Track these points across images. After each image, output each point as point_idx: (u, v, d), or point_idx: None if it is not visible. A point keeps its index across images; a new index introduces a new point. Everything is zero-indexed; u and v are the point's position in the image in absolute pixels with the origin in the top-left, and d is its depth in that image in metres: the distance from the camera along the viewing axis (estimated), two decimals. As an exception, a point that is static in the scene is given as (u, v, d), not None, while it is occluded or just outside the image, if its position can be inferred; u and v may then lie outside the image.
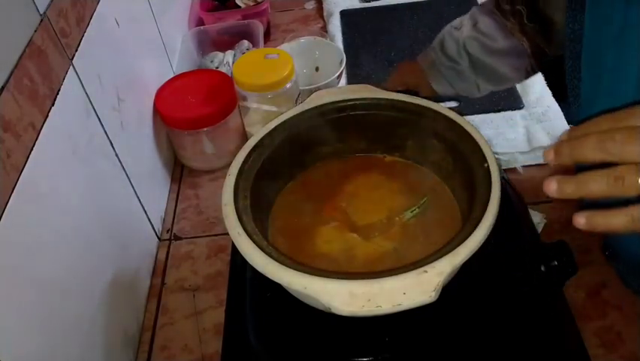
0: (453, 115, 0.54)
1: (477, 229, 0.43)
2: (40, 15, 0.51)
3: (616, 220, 0.36)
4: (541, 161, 0.77)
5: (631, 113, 0.37)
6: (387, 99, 0.57)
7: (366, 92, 0.58)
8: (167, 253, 0.74)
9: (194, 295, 0.69)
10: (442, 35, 0.73)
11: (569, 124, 0.58)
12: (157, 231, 0.76)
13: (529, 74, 0.71)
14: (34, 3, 0.50)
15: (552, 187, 0.38)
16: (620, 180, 0.35)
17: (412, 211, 0.53)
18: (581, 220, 0.37)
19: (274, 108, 0.74)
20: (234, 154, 0.53)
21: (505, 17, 0.66)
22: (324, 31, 1.08)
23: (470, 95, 0.74)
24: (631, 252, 0.57)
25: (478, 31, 0.68)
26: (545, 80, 0.87)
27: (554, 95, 0.86)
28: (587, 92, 0.53)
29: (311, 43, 0.91)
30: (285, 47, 0.89)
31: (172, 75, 0.86)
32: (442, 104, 0.56)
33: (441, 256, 0.41)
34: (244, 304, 0.52)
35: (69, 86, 0.54)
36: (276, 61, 0.75)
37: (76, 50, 0.57)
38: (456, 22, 0.72)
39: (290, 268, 0.42)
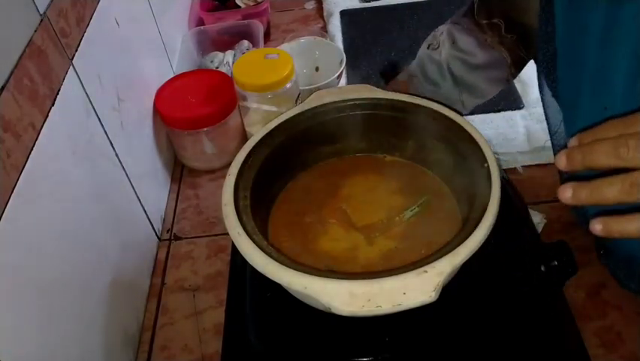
0: (453, 115, 0.54)
1: (477, 229, 0.43)
2: (40, 15, 0.51)
3: (631, 226, 0.37)
4: (541, 161, 0.77)
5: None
6: (387, 99, 0.57)
7: (366, 92, 0.58)
8: (167, 253, 0.74)
9: (194, 295, 0.69)
10: (421, 58, 0.73)
11: (549, 128, 0.59)
12: (157, 231, 0.76)
13: (508, 82, 0.72)
14: (34, 3, 0.50)
15: (567, 194, 0.39)
16: (635, 186, 0.36)
17: (411, 210, 0.53)
18: (597, 227, 0.38)
19: (274, 108, 0.74)
20: (234, 154, 0.53)
21: (483, 32, 0.66)
22: (324, 31, 1.08)
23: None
24: (624, 250, 0.57)
25: (458, 49, 0.68)
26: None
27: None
28: (566, 92, 0.53)
29: (311, 43, 0.91)
30: (285, 47, 0.89)
31: (172, 75, 0.86)
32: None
33: (441, 256, 0.41)
34: (244, 304, 0.52)
35: (69, 86, 0.54)
36: (276, 61, 0.75)
37: (76, 50, 0.57)
38: (429, 39, 0.72)
39: (290, 268, 0.42)
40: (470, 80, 0.70)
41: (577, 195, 0.38)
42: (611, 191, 0.37)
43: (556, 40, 0.50)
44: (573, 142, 0.40)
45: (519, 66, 0.68)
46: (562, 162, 0.40)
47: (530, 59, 0.66)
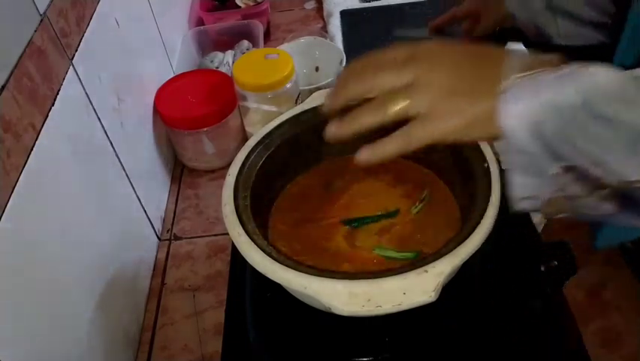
0: (453, 115, 0.54)
1: (477, 229, 0.43)
2: (40, 15, 0.51)
3: (390, 145, 0.41)
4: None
5: (383, 52, 0.43)
6: (387, 99, 0.57)
7: (366, 92, 0.58)
8: (167, 253, 0.74)
9: (194, 295, 0.69)
10: None
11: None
12: (157, 231, 0.76)
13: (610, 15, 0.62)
14: (34, 3, 0.50)
15: (331, 130, 0.42)
16: (381, 106, 0.40)
17: (415, 208, 0.53)
18: (362, 157, 0.42)
19: (274, 108, 0.74)
20: (234, 154, 0.53)
21: None
22: (324, 31, 1.08)
23: (547, 30, 0.66)
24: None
25: None
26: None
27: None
28: None
29: (311, 43, 0.91)
30: (285, 47, 0.89)
31: (172, 75, 0.86)
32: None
33: (441, 256, 0.41)
34: (244, 304, 0.52)
35: (69, 86, 0.54)
36: (276, 61, 0.75)
37: (76, 50, 0.57)
38: None
39: (290, 268, 0.42)
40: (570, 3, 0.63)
41: (340, 129, 0.42)
42: (365, 117, 0.41)
43: None
44: (328, 101, 0.44)
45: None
46: (327, 100, 0.44)
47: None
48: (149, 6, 0.83)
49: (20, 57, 0.46)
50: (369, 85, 0.42)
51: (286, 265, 0.42)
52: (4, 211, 0.42)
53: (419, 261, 0.42)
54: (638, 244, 0.62)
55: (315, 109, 0.57)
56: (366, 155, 0.42)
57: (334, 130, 0.43)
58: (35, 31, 0.49)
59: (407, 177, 0.57)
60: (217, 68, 0.94)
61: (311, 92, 0.61)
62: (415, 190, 0.55)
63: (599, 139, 0.34)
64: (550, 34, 0.65)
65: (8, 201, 0.42)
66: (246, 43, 0.99)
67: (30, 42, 0.48)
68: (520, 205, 0.40)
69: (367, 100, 0.42)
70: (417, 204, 0.54)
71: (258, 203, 0.51)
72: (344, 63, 0.85)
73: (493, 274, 0.50)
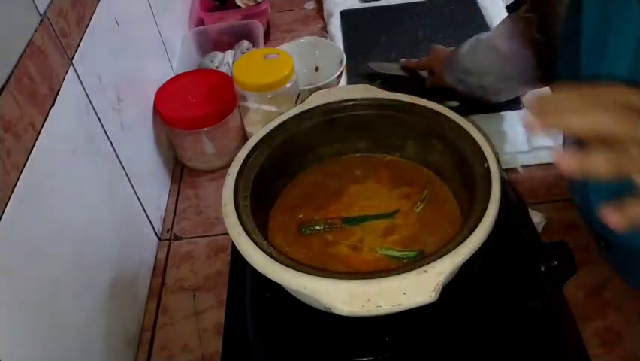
0: (453, 115, 0.54)
1: (477, 229, 0.43)
2: (40, 15, 0.51)
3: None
4: (541, 161, 0.77)
5: (600, 89, 0.37)
6: (387, 99, 0.57)
7: (366, 92, 0.58)
8: (167, 253, 0.74)
9: (194, 295, 0.69)
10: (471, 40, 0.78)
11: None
12: (157, 231, 0.76)
13: (538, 82, 0.73)
14: (34, 3, 0.50)
15: (567, 163, 0.36)
16: (627, 159, 0.34)
17: (417, 207, 0.54)
18: (614, 218, 0.35)
19: (274, 108, 0.74)
20: (234, 154, 0.53)
21: (518, 24, 0.70)
22: (324, 31, 1.08)
23: (475, 96, 0.79)
24: (625, 244, 0.56)
25: (496, 34, 0.73)
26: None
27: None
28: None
29: (311, 43, 0.91)
30: (285, 47, 0.89)
31: (172, 75, 0.86)
32: (442, 104, 0.56)
33: (441, 256, 0.41)
34: (244, 304, 0.52)
35: (69, 86, 0.54)
36: (276, 61, 0.75)
37: (76, 50, 0.57)
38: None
39: (290, 268, 0.42)
40: (494, 65, 0.73)
41: (572, 167, 0.36)
42: (602, 164, 0.35)
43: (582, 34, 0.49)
44: (536, 106, 0.40)
45: (545, 71, 0.68)
46: (564, 165, 0.37)
47: (553, 60, 0.63)
48: (149, 6, 0.83)
49: (20, 57, 0.46)
50: (593, 125, 0.36)
51: (286, 265, 0.42)
52: (4, 211, 0.42)
53: (419, 261, 0.42)
54: (608, 247, 0.62)
55: (314, 109, 0.57)
56: (617, 218, 0.35)
57: (569, 163, 0.36)
58: (35, 31, 0.49)
59: (407, 177, 0.57)
60: (217, 68, 0.94)
61: (311, 92, 0.61)
62: (415, 190, 0.55)
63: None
64: (489, 100, 0.80)
65: (8, 201, 0.42)
66: (246, 43, 0.99)
67: (30, 42, 0.48)
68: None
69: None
70: (418, 204, 0.54)
71: (258, 203, 0.51)
72: (344, 63, 0.85)
73: (493, 274, 0.50)
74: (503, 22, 0.73)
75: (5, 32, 0.45)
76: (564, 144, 0.65)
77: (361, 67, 0.95)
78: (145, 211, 0.72)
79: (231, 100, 0.79)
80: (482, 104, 0.85)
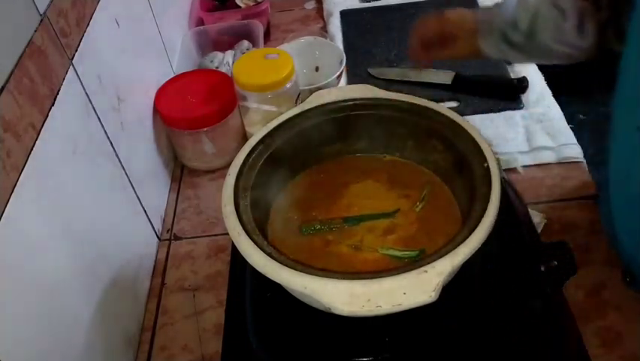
0: (453, 115, 0.54)
1: (477, 229, 0.43)
2: (40, 15, 0.51)
3: None
4: (541, 161, 0.77)
5: None
6: (387, 99, 0.57)
7: (366, 92, 0.58)
8: (167, 253, 0.74)
9: (194, 295, 0.69)
10: None
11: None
12: (157, 231, 0.76)
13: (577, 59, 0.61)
14: (34, 3, 0.50)
15: None
16: None
17: (416, 207, 0.54)
18: None
19: (274, 108, 0.74)
20: (234, 154, 0.53)
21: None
22: (324, 31, 1.08)
23: (518, 62, 0.69)
24: None
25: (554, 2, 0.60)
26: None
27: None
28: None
29: (311, 43, 0.91)
30: (285, 47, 0.89)
31: (172, 75, 0.86)
32: (442, 104, 0.56)
33: (441, 256, 0.41)
34: (244, 304, 0.52)
35: (69, 86, 0.54)
36: (276, 61, 0.75)
37: (76, 50, 0.57)
38: None
39: (290, 268, 0.42)
40: (546, 38, 0.60)
41: None
42: None
43: None
44: None
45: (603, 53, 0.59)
46: None
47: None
48: (149, 6, 0.83)
49: (20, 57, 0.46)
50: None
51: (286, 265, 0.42)
52: (4, 211, 0.42)
53: (419, 261, 0.42)
54: (634, 281, 0.61)
55: (314, 109, 0.57)
56: None
57: None
58: (35, 31, 0.49)
59: (407, 177, 0.57)
60: (217, 68, 0.94)
61: (311, 92, 0.61)
62: (415, 190, 0.55)
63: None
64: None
65: (8, 201, 0.42)
66: (246, 43, 0.99)
67: (30, 42, 0.48)
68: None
69: None
70: (417, 203, 0.54)
71: (258, 203, 0.51)
72: (344, 63, 0.85)
73: (493, 274, 0.50)
74: None
75: (5, 32, 0.45)
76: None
77: (361, 67, 0.95)
78: (145, 211, 0.72)
79: (231, 100, 0.79)
80: (482, 104, 0.85)
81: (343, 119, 0.57)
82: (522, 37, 0.62)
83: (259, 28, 0.98)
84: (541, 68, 0.90)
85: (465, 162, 0.51)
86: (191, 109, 0.78)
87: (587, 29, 0.59)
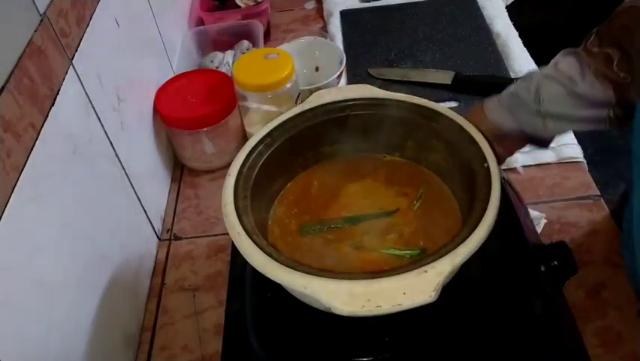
0: (453, 115, 0.54)
1: (477, 229, 0.43)
2: (40, 15, 0.51)
3: None
4: (541, 161, 0.77)
5: None
6: (387, 99, 0.57)
7: (366, 92, 0.58)
8: (167, 253, 0.74)
9: (194, 295, 0.69)
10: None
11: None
12: (157, 231, 0.76)
13: (612, 122, 0.55)
14: (34, 3, 0.50)
15: None
16: None
17: (414, 205, 0.54)
18: None
19: (274, 108, 0.74)
20: (234, 154, 0.53)
21: (591, 58, 0.54)
22: (324, 31, 1.08)
23: (538, 133, 0.58)
24: None
25: (557, 70, 0.56)
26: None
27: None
28: None
29: (311, 43, 0.91)
30: (285, 47, 0.89)
31: (172, 75, 0.86)
32: (442, 104, 0.56)
33: (441, 256, 0.41)
34: (244, 304, 0.52)
35: (69, 86, 0.54)
36: (276, 61, 0.75)
37: (76, 50, 0.57)
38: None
39: (290, 268, 0.42)
40: (560, 107, 0.56)
41: None
42: None
43: None
44: None
45: (626, 113, 0.54)
46: None
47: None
48: (149, 6, 0.83)
49: (20, 57, 0.46)
50: None
51: (286, 265, 0.42)
52: (4, 211, 0.42)
53: (419, 261, 0.42)
54: None
55: (314, 109, 0.57)
56: None
57: None
58: (35, 31, 0.49)
59: (407, 176, 0.57)
60: (217, 68, 0.94)
61: (311, 92, 0.61)
62: (415, 190, 0.55)
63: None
64: (539, 135, 0.59)
65: (8, 201, 0.42)
66: (246, 43, 0.99)
67: (30, 42, 0.48)
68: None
69: None
70: (415, 202, 0.54)
71: (258, 203, 0.51)
72: (344, 63, 0.85)
73: (493, 274, 0.50)
74: (568, 56, 0.56)
75: (5, 32, 0.45)
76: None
77: (361, 67, 0.95)
78: (145, 211, 0.72)
79: (231, 100, 0.79)
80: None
81: (343, 119, 0.57)
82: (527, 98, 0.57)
83: (259, 28, 0.98)
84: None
85: (465, 162, 0.51)
86: (191, 109, 0.78)
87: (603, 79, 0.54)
